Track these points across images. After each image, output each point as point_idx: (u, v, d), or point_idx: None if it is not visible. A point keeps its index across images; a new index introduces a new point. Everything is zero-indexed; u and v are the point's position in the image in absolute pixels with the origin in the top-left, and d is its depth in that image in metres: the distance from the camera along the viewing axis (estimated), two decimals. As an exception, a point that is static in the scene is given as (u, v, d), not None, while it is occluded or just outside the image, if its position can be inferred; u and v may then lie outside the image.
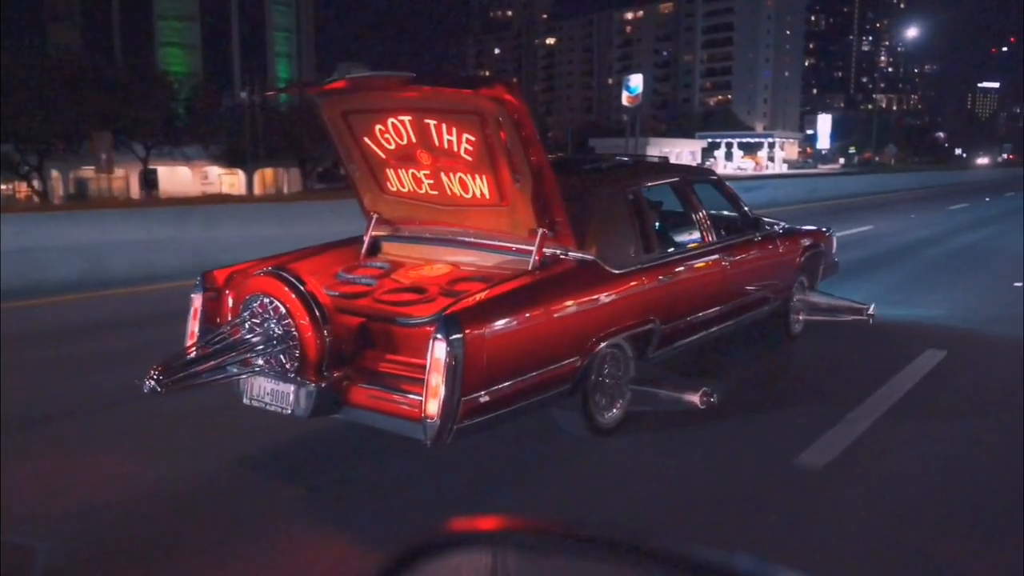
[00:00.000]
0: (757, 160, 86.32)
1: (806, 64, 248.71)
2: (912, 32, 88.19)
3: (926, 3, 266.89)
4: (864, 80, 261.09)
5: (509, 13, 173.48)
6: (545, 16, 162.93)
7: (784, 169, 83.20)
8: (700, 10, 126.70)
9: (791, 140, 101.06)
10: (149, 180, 49.84)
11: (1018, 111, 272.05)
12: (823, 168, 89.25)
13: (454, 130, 3.99)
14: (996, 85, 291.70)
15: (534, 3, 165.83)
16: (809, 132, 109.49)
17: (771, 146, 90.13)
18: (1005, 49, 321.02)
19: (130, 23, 54.23)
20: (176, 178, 51.06)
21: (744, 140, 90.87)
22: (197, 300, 4.20)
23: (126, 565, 3.09)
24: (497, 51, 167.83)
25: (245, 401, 3.82)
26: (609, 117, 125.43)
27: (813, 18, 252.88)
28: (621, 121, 59.24)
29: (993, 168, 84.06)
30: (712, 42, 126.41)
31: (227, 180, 55.32)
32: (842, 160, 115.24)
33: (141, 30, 54.14)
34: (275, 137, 44.97)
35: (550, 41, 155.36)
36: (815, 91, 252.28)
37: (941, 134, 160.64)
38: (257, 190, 53.55)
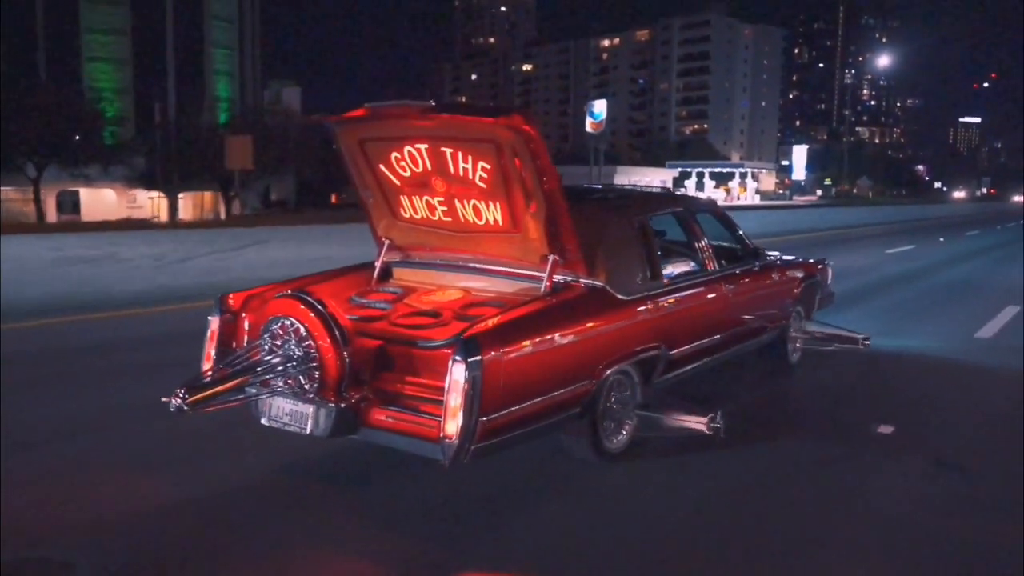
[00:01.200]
0: (727, 190, 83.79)
1: (791, 96, 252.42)
2: (885, 61, 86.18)
3: (908, 38, 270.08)
4: (847, 113, 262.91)
5: (491, 40, 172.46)
6: (534, 41, 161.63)
7: (757, 200, 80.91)
8: (676, 38, 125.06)
9: (765, 170, 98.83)
10: (63, 203, 46.48)
11: (999, 146, 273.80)
12: (799, 200, 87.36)
13: (470, 158, 4.08)
14: (978, 120, 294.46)
15: (516, 29, 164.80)
16: (785, 163, 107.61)
17: (743, 176, 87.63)
18: (987, 85, 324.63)
19: (55, 35, 51.05)
20: (100, 201, 47.86)
21: (716, 170, 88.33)
22: (214, 323, 4.26)
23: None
24: (474, 77, 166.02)
25: (264, 422, 3.93)
26: (584, 145, 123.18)
27: (796, 51, 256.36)
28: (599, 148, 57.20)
29: (968, 202, 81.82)
30: (688, 71, 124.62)
31: (163, 204, 52.15)
32: (819, 192, 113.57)
33: (67, 43, 50.97)
34: (194, 158, 41.73)
35: (527, 67, 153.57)
36: (798, 123, 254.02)
37: (921, 167, 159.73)
38: (191, 215, 50.31)
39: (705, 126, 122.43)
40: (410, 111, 4.00)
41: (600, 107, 77.11)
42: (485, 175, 4.06)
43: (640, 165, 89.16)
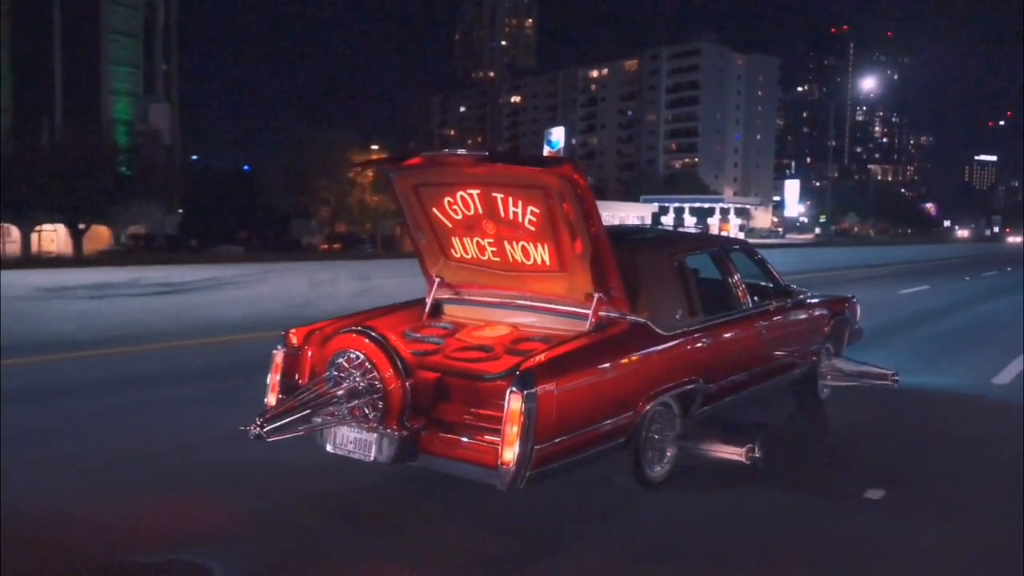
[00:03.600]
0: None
1: (803, 131, 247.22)
2: (870, 84, 79.30)
3: (920, 74, 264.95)
4: (858, 150, 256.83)
5: (491, 74, 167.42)
6: (522, 72, 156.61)
7: (739, 237, 73.55)
8: (664, 68, 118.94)
9: (751, 206, 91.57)
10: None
11: (1016, 184, 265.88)
12: (793, 238, 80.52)
13: (520, 203, 4.33)
14: (994, 158, 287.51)
15: (516, 63, 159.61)
16: (776, 199, 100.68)
17: (724, 212, 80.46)
18: (1003, 123, 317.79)
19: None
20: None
21: (696, 205, 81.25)
22: (278, 356, 4.54)
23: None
24: (463, 109, 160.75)
25: (329, 449, 4.16)
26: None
27: (807, 87, 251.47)
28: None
29: (969, 242, 74.10)
30: (677, 101, 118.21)
31: (47, 236, 46.04)
32: (818, 230, 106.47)
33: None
34: (38, 186, 35.42)
35: (515, 99, 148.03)
36: (808, 160, 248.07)
37: (930, 205, 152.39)
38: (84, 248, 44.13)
39: (696, 159, 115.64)
40: (465, 160, 4.30)
41: (558, 135, 70.92)
42: (534, 219, 4.33)
43: (625, 199, 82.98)
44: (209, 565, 3.53)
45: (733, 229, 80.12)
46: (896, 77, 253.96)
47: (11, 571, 3.38)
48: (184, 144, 54.64)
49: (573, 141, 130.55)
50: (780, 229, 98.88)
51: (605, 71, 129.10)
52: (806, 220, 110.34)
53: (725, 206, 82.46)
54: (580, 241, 4.26)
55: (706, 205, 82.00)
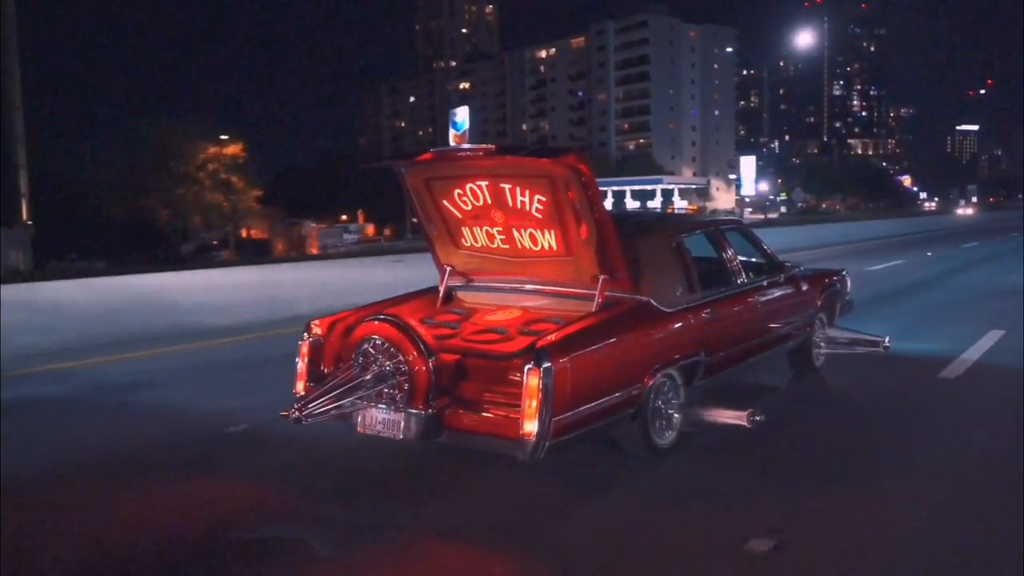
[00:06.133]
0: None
1: (782, 108, 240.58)
2: (806, 40, 71.74)
3: (897, 46, 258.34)
4: (837, 124, 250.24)
5: (453, 63, 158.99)
6: (469, 57, 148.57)
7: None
8: (612, 42, 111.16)
9: (695, 186, 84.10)
10: None
11: (999, 153, 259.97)
12: (749, 218, 73.54)
13: (527, 192, 4.58)
14: (976, 128, 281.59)
15: (479, 50, 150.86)
16: (732, 177, 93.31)
17: (668, 194, 73.00)
18: (983, 92, 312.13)
19: None
20: None
21: (638, 188, 73.78)
22: (304, 345, 4.77)
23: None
24: (412, 99, 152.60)
25: (359, 430, 4.35)
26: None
27: (782, 63, 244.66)
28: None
29: (937, 216, 66.88)
30: (626, 78, 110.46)
31: None
32: (783, 209, 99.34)
33: None
34: None
35: (464, 86, 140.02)
36: (787, 137, 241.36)
37: (905, 177, 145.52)
38: None
39: (650, 139, 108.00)
40: (473, 154, 4.59)
41: (462, 115, 62.25)
42: (541, 207, 4.57)
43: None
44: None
45: (677, 211, 72.88)
46: (873, 49, 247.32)
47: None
48: (42, 152, 46.32)
49: (524, 127, 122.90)
50: (737, 210, 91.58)
51: (553, 51, 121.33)
52: (773, 198, 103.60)
53: (667, 187, 75.02)
54: (585, 226, 4.49)
55: (648, 187, 74.44)
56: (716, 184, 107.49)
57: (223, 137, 44.59)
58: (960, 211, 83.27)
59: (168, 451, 5.09)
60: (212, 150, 43.36)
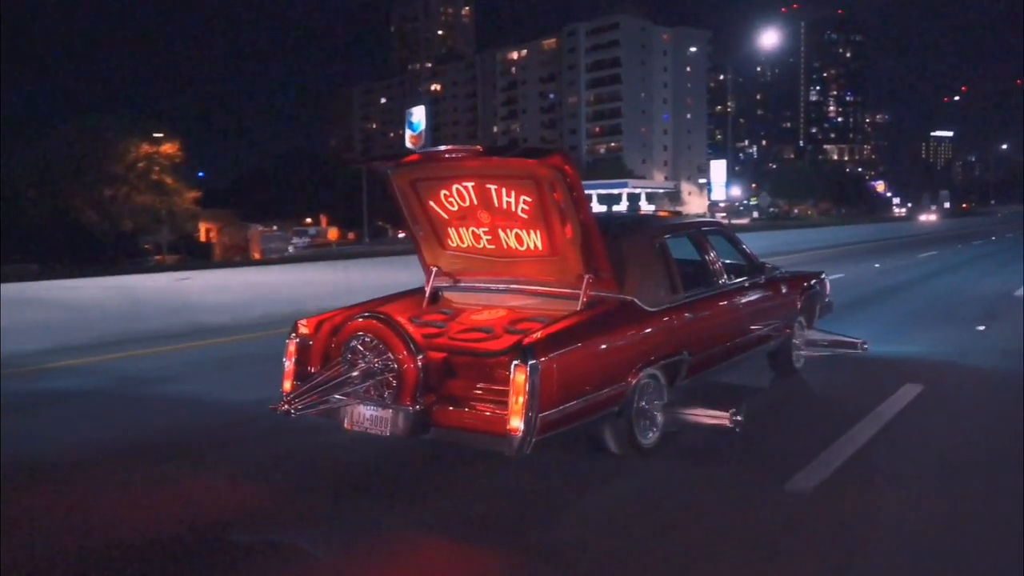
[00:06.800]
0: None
1: (759, 114, 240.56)
2: (771, 40, 70.19)
3: (873, 52, 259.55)
4: (814, 130, 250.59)
5: (428, 65, 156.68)
6: (441, 58, 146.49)
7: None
8: (583, 44, 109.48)
9: (661, 190, 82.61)
10: None
11: (973, 159, 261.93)
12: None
13: (513, 193, 4.61)
14: (950, 134, 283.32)
15: (455, 52, 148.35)
16: (701, 182, 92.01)
17: (634, 198, 71.40)
18: (957, 98, 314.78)
19: None
20: None
21: (601, 192, 72.06)
22: (291, 344, 4.77)
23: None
24: (383, 100, 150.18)
25: (346, 426, 4.39)
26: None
27: (759, 69, 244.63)
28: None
29: (904, 222, 65.67)
30: (598, 81, 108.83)
31: None
32: (756, 214, 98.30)
33: None
34: None
35: (435, 87, 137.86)
36: (764, 142, 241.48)
37: (879, 183, 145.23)
38: None
39: (621, 143, 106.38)
40: (460, 154, 4.65)
41: (418, 115, 60.81)
42: (527, 207, 4.61)
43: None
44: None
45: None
46: (849, 55, 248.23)
47: None
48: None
49: (495, 129, 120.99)
50: (708, 215, 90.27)
51: (524, 52, 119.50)
52: (746, 203, 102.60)
53: (633, 191, 73.41)
54: (571, 227, 4.52)
55: (614, 191, 72.82)
56: (688, 188, 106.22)
57: (157, 135, 42.12)
58: (924, 217, 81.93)
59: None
60: (144, 149, 40.92)
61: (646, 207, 72.14)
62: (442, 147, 4.68)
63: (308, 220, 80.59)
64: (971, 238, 34.46)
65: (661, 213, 71.14)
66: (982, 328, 9.38)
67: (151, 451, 5.04)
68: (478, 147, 4.64)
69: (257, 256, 44.85)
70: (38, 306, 11.97)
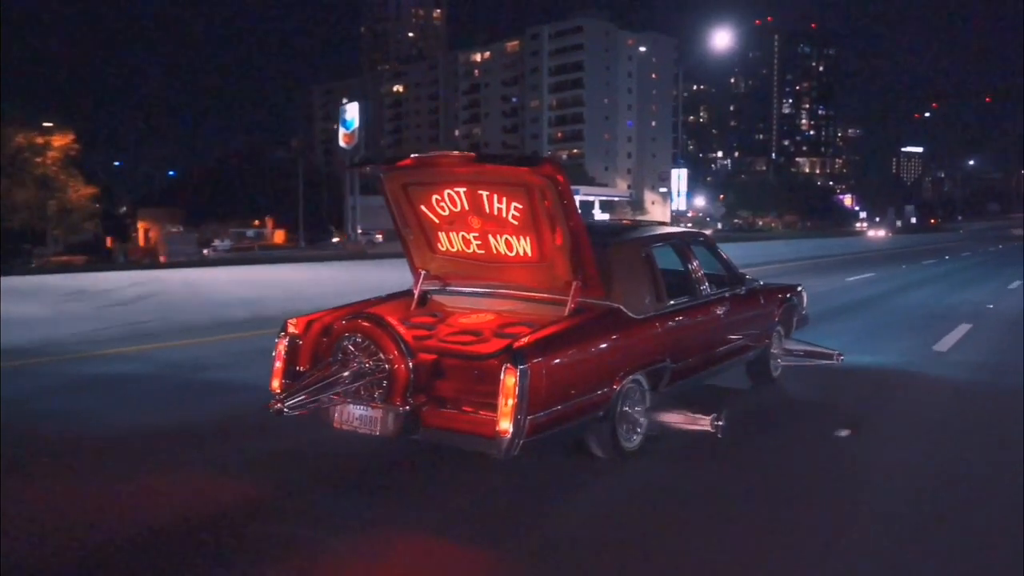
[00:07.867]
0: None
1: (732, 124, 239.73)
2: (724, 40, 67.96)
3: (847, 67, 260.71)
4: (786, 143, 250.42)
5: (400, 66, 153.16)
6: (402, 59, 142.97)
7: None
8: (546, 47, 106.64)
9: (617, 198, 79.99)
10: None
11: (942, 175, 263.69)
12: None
13: (504, 199, 4.72)
14: (920, 149, 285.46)
15: (426, 53, 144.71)
16: (662, 191, 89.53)
17: (585, 206, 68.53)
18: (928, 114, 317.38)
19: None
20: None
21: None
22: (280, 344, 4.89)
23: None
24: (345, 100, 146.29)
25: (336, 426, 4.47)
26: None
27: (733, 80, 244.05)
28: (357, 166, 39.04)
29: (846, 238, 63.00)
30: (560, 85, 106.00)
31: None
32: (719, 225, 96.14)
33: None
34: None
35: (398, 88, 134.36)
36: (736, 154, 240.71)
37: (846, 196, 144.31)
38: None
39: (583, 149, 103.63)
40: (453, 159, 4.71)
41: (352, 113, 57.48)
42: (517, 213, 4.72)
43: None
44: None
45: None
46: (822, 69, 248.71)
47: None
48: None
49: (456, 132, 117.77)
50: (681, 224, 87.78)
51: (488, 54, 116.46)
52: (713, 213, 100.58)
53: (585, 198, 70.62)
54: (560, 234, 4.63)
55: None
56: (652, 198, 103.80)
57: (47, 125, 38.31)
58: (872, 233, 79.00)
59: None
60: (32, 139, 37.14)
61: (600, 215, 69.24)
62: (435, 152, 4.76)
63: (256, 222, 77.92)
64: (923, 256, 31.79)
65: (625, 221, 68.45)
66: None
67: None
68: (471, 154, 4.74)
69: (163, 259, 41.46)
70: None
